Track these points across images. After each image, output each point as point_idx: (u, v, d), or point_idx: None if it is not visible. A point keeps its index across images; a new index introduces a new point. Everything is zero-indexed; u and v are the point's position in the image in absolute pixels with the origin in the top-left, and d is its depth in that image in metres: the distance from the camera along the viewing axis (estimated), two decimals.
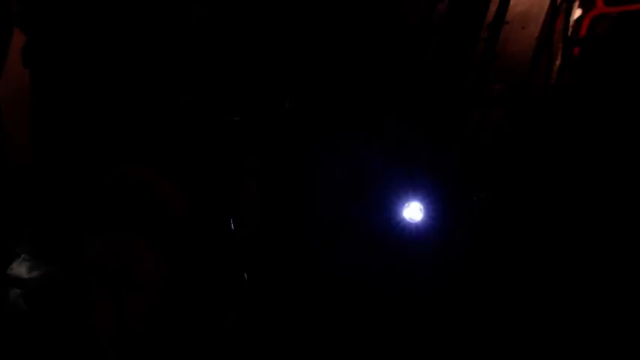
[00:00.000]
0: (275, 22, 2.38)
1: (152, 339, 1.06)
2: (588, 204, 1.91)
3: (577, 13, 2.21)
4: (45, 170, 1.37)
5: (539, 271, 1.97)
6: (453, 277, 2.09)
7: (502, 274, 2.04)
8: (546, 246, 1.98)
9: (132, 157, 1.29)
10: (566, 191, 1.99)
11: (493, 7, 2.26)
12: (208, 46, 2.20)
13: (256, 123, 2.36)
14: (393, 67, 2.42)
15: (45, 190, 1.32)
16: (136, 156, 1.31)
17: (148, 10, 1.85)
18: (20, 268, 1.22)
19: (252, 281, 1.82)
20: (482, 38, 2.29)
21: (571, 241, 1.93)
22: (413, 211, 2.21)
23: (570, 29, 2.20)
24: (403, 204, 2.21)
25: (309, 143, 2.36)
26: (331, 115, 2.39)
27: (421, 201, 2.21)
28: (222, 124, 2.22)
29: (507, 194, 2.14)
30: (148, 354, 1.04)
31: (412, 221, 2.20)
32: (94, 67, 1.64)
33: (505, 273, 2.04)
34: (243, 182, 2.11)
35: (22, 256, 1.26)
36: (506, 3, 2.23)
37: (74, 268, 1.00)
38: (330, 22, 2.38)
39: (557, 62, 2.20)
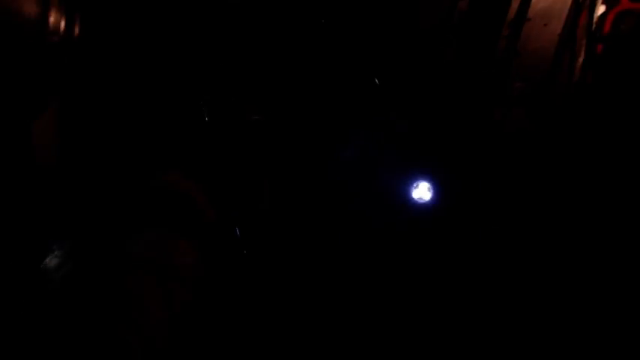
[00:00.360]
0: (295, 22, 2.43)
1: (193, 324, 1.18)
2: (610, 203, 1.91)
3: (601, 9, 2.18)
4: (81, 174, 1.46)
5: (545, 268, 1.99)
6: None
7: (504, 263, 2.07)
8: (560, 244, 1.99)
9: (166, 164, 1.39)
10: (587, 190, 1.99)
11: (515, 4, 2.26)
12: (229, 48, 2.27)
13: (276, 120, 2.42)
14: (412, 63, 2.45)
15: (82, 192, 1.42)
16: (170, 163, 1.41)
17: (174, 23, 1.94)
18: (54, 264, 1.31)
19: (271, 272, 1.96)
20: (504, 36, 2.29)
21: (589, 241, 1.94)
22: (421, 191, 2.28)
23: (594, 26, 2.18)
24: (412, 185, 2.29)
25: (330, 136, 2.42)
26: (352, 107, 2.44)
27: (430, 183, 2.27)
28: (242, 123, 2.30)
29: (528, 191, 2.16)
30: (191, 337, 1.16)
31: (421, 201, 2.27)
32: (123, 84, 1.72)
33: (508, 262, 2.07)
34: (262, 182, 2.19)
35: (56, 252, 1.35)
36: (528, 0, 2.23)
37: (120, 262, 1.10)
38: (352, 20, 2.41)
39: (580, 60, 2.18)
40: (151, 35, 1.84)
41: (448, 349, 2.05)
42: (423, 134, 2.39)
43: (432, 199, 2.29)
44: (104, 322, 1.00)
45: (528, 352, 1.95)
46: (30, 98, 1.32)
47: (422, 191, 2.31)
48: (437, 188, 2.29)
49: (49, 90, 1.38)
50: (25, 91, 1.29)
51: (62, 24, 1.35)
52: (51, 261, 1.16)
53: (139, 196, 1.24)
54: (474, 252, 2.16)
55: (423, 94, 2.44)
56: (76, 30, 1.39)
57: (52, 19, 1.31)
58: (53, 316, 1.07)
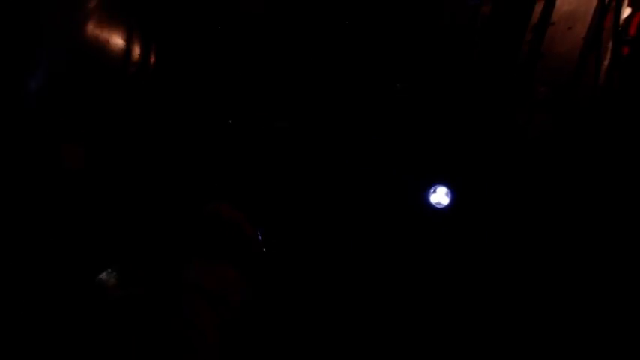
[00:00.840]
0: (318, 28, 2.44)
1: (241, 348, 1.26)
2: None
3: (627, 11, 2.17)
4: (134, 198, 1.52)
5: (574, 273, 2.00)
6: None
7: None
8: (585, 251, 1.99)
9: (216, 193, 1.46)
10: (612, 196, 2.00)
11: (538, 9, 2.25)
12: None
13: (300, 126, 2.45)
14: (435, 65, 2.45)
15: (136, 213, 1.49)
16: (219, 192, 1.48)
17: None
18: (112, 281, 1.39)
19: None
20: (527, 40, 2.29)
21: (615, 247, 1.94)
22: (439, 196, 2.28)
23: (620, 28, 2.17)
24: (430, 189, 2.30)
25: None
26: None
27: (448, 186, 2.27)
28: (269, 131, 2.34)
29: (551, 196, 2.16)
30: (238, 354, 1.24)
31: (439, 206, 2.28)
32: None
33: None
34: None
35: (111, 269, 1.43)
36: (552, 3, 2.22)
37: (175, 286, 1.17)
38: (373, 21, 2.42)
39: (606, 63, 2.17)
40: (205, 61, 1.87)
41: (465, 353, 2.08)
42: (442, 137, 2.41)
43: (450, 204, 2.29)
44: (164, 341, 1.07)
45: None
46: (105, 124, 1.38)
47: (440, 196, 2.31)
48: (455, 193, 2.30)
49: (124, 116, 1.44)
50: (100, 118, 1.36)
51: (141, 54, 1.41)
52: (109, 278, 1.24)
53: (193, 224, 1.31)
54: (493, 258, 2.18)
55: (445, 96, 2.45)
56: (152, 60, 1.45)
57: (134, 51, 1.38)
58: (113, 332, 1.14)
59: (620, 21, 2.16)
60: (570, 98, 2.20)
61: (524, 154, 2.24)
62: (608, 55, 2.17)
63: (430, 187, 2.30)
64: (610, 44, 2.17)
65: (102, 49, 1.35)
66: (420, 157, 2.39)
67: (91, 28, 1.30)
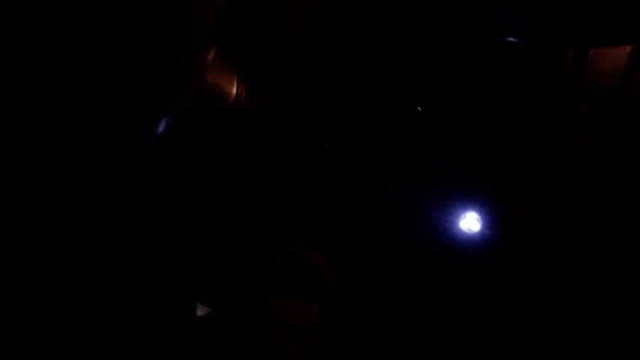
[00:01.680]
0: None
1: None
2: None
3: None
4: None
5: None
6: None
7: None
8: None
9: (299, 236, 1.57)
10: None
11: None
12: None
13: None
14: (467, 82, 2.47)
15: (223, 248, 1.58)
16: (301, 235, 1.58)
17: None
18: (204, 312, 1.54)
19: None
20: (570, 57, 2.31)
21: None
22: (470, 222, 2.23)
23: None
24: (460, 215, 2.24)
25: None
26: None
27: (480, 213, 2.22)
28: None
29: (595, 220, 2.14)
30: None
31: (469, 232, 2.22)
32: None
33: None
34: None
35: (200, 297, 1.58)
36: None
37: (261, 317, 1.32)
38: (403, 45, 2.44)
39: None
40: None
41: None
42: (476, 158, 2.38)
43: (482, 230, 2.22)
44: None
45: None
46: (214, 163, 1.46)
47: (470, 222, 2.25)
48: (488, 218, 2.23)
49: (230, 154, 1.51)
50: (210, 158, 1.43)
51: (247, 97, 1.50)
52: (201, 308, 1.39)
53: (278, 262, 1.44)
54: (532, 291, 2.12)
55: (481, 115, 2.45)
56: (256, 102, 1.53)
57: (242, 95, 1.46)
58: (202, 351, 1.29)
59: None
60: (615, 115, 2.22)
61: (567, 173, 2.26)
62: None
63: (460, 213, 2.24)
64: None
65: (218, 95, 1.41)
66: (452, 181, 2.34)
67: (210, 78, 1.36)
